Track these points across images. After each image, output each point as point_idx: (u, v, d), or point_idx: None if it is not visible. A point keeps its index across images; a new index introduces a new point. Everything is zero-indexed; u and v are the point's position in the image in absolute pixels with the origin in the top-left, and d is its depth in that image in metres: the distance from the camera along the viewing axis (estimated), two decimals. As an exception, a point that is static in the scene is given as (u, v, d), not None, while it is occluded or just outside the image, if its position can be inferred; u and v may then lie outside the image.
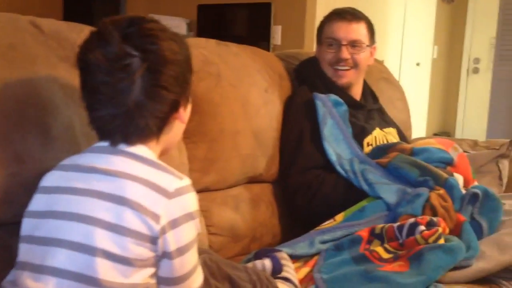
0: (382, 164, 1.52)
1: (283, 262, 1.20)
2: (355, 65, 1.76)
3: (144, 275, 0.84)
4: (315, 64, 1.81)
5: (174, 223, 0.84)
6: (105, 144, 0.89)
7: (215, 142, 1.48)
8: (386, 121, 1.87)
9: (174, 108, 0.90)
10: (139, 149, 0.88)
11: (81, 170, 0.88)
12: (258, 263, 1.21)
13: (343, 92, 1.76)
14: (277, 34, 3.78)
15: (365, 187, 1.46)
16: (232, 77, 1.58)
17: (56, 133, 1.06)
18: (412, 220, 1.27)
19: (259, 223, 1.58)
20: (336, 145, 1.58)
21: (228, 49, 1.65)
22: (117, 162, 0.86)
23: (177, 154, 1.39)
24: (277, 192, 1.68)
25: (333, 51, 1.76)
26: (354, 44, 1.74)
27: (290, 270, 1.19)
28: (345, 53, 1.74)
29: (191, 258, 0.88)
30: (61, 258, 0.83)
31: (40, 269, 0.85)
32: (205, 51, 1.55)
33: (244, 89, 1.60)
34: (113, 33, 0.84)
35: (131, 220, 0.82)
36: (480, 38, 5.66)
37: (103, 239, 0.82)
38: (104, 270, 0.81)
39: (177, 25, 4.11)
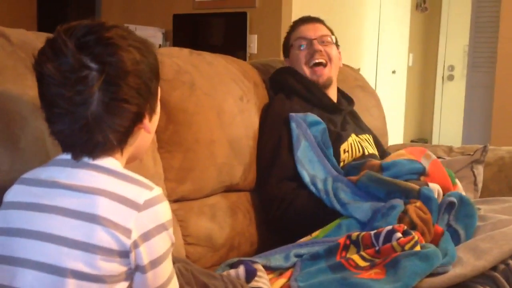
0: (353, 182, 1.53)
1: (258, 273, 1.19)
2: (329, 59, 1.79)
3: None
4: (291, 70, 1.83)
5: (146, 236, 0.82)
6: (67, 156, 0.86)
7: (190, 151, 1.47)
8: (361, 127, 1.88)
9: (137, 120, 0.86)
10: (104, 161, 0.85)
11: (44, 185, 0.85)
12: (233, 271, 1.20)
13: (322, 92, 1.77)
14: (253, 43, 3.79)
15: (337, 207, 1.46)
16: (207, 86, 1.57)
17: (25, 145, 1.04)
18: (389, 227, 1.27)
19: (237, 232, 1.57)
20: (310, 167, 1.58)
21: (201, 58, 1.64)
22: (81, 176, 0.83)
23: (152, 164, 1.37)
24: (254, 201, 1.67)
25: (305, 50, 1.80)
26: (322, 39, 1.80)
27: (265, 280, 1.17)
28: (318, 45, 1.78)
29: (165, 270, 0.86)
30: (29, 279, 0.81)
31: None
32: (179, 61, 1.54)
33: (219, 98, 1.59)
34: (67, 43, 0.80)
35: (101, 237, 0.79)
36: (454, 45, 5.77)
37: (71, 259, 0.79)
38: None
39: (153, 34, 4.10)
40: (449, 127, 5.87)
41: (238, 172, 1.61)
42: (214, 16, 3.94)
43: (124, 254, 0.81)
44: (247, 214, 1.63)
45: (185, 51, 1.63)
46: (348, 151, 1.69)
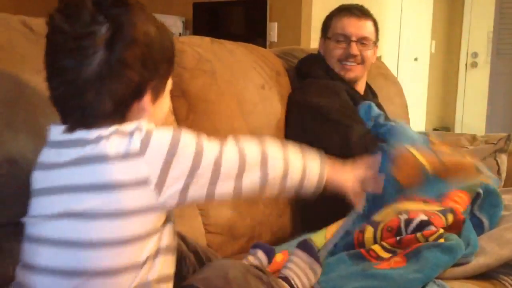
0: None
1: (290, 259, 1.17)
2: (363, 62, 1.77)
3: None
4: (319, 60, 1.80)
5: (166, 162, 0.78)
6: (60, 129, 0.82)
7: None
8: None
9: (136, 92, 0.82)
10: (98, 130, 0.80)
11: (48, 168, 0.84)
12: (251, 258, 1.18)
13: (349, 86, 1.75)
14: (273, 31, 3.77)
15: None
16: (228, 74, 1.56)
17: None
18: (424, 217, 1.25)
19: (257, 222, 1.57)
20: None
21: (222, 47, 1.64)
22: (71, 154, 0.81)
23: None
24: (275, 190, 1.66)
25: (342, 47, 1.75)
26: (363, 41, 1.75)
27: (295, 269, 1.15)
28: (355, 49, 1.73)
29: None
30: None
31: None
32: (200, 49, 1.54)
33: (240, 86, 1.59)
34: (86, 0, 0.79)
35: (126, 200, 0.78)
36: (477, 32, 5.66)
37: (98, 229, 0.79)
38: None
39: (173, 23, 4.10)
40: (472, 115, 5.78)
41: (259, 160, 1.60)
42: (234, 4, 3.93)
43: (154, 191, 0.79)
44: (268, 203, 1.62)
45: (207, 39, 1.62)
46: None
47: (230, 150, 0.84)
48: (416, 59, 5.19)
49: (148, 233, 0.81)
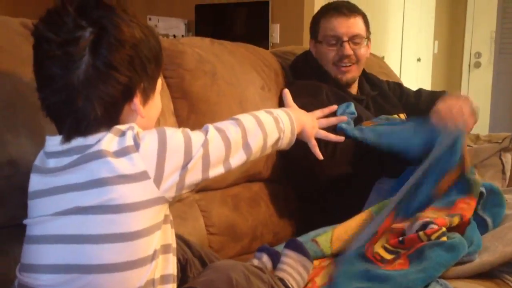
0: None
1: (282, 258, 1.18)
2: (358, 61, 1.73)
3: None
4: (312, 61, 1.78)
5: (160, 158, 0.81)
6: (58, 140, 0.83)
7: (212, 141, 1.47)
8: (386, 110, 1.81)
9: (126, 95, 0.82)
10: (94, 137, 0.82)
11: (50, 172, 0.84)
12: (256, 261, 1.18)
13: (340, 89, 1.73)
14: (275, 33, 3.78)
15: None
16: (228, 75, 1.56)
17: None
18: (427, 219, 1.24)
19: (259, 222, 1.57)
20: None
21: (223, 47, 1.64)
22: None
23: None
24: (276, 191, 1.66)
25: (334, 49, 1.71)
26: (354, 39, 1.70)
27: (287, 267, 1.16)
28: (348, 50, 1.69)
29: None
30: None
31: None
32: (200, 50, 1.54)
33: (241, 87, 1.58)
34: (67, 6, 0.79)
35: (128, 193, 0.79)
36: (480, 31, 5.64)
37: (105, 224, 0.80)
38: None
39: (176, 25, 4.11)
40: (475, 115, 5.74)
41: (261, 161, 1.60)
42: (236, 6, 3.93)
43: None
44: (269, 204, 1.63)
45: (206, 40, 1.62)
46: None
47: (215, 138, 0.88)
48: (419, 59, 5.18)
49: (151, 228, 0.82)
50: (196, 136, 0.86)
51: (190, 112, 1.46)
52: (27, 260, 0.86)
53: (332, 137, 1.29)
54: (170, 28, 4.19)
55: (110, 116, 0.82)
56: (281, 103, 1.68)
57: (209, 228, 1.46)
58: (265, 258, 1.19)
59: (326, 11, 1.75)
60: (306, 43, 3.58)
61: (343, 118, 1.41)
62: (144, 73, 0.84)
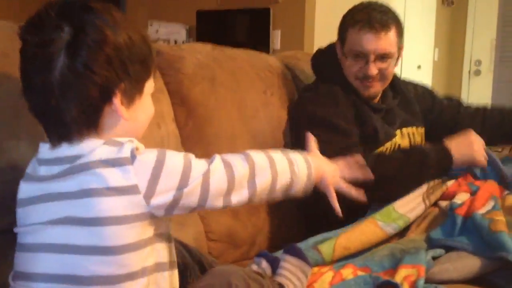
0: None
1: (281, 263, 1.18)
2: (382, 79, 1.62)
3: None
4: (333, 61, 1.67)
5: (154, 175, 0.80)
6: (47, 147, 0.84)
7: (211, 146, 1.47)
8: (406, 120, 1.73)
9: (104, 95, 0.81)
10: (81, 145, 0.82)
11: (41, 180, 0.84)
12: (254, 266, 1.19)
13: (365, 100, 1.65)
14: (276, 39, 3.79)
15: None
16: (228, 80, 1.57)
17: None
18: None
19: (259, 229, 1.57)
20: None
21: (223, 53, 1.64)
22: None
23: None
24: (276, 197, 1.66)
25: (359, 65, 1.59)
26: (382, 57, 1.58)
27: (286, 272, 1.16)
28: (373, 70, 1.58)
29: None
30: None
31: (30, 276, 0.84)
32: (200, 56, 1.54)
33: (241, 92, 1.59)
34: (49, 10, 0.80)
35: (117, 206, 0.79)
36: (481, 39, 5.65)
37: (94, 235, 0.80)
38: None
39: (177, 31, 4.12)
40: (475, 122, 5.74)
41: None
42: (237, 12, 3.95)
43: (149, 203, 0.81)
44: (269, 211, 1.63)
45: (207, 46, 1.63)
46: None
47: (218, 169, 0.85)
48: (419, 67, 5.19)
49: (139, 243, 0.81)
50: (199, 164, 0.85)
51: (188, 117, 1.46)
52: (20, 268, 0.86)
53: (354, 193, 1.10)
54: (171, 33, 4.21)
55: (88, 118, 0.81)
56: (284, 106, 1.69)
57: (208, 234, 1.46)
58: (264, 263, 1.20)
59: (355, 22, 1.58)
60: (306, 49, 3.59)
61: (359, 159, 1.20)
62: (124, 74, 0.82)
